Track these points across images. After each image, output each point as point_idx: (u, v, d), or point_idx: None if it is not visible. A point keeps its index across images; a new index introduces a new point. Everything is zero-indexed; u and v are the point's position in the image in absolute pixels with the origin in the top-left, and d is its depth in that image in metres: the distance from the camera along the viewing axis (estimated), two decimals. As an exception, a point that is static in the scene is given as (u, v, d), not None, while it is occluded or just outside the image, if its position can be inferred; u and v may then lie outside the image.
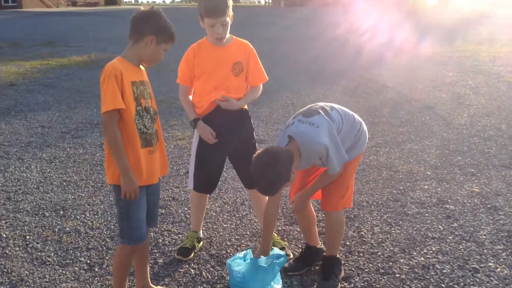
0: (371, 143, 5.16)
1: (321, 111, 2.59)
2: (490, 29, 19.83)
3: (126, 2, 64.84)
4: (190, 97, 2.95)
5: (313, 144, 2.45)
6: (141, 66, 2.38)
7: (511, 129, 5.68)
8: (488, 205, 3.62)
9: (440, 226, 3.29)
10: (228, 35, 2.82)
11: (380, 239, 3.13)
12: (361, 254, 2.95)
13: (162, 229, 3.30)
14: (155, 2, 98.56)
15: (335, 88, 8.18)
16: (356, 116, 2.71)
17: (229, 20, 2.73)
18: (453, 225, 3.31)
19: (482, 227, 3.28)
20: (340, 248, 2.93)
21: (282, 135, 2.60)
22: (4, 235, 3.20)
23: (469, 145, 5.11)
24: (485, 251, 2.95)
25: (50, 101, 7.20)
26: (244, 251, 2.61)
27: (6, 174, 4.35)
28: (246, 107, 2.96)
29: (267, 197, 2.69)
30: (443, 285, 2.60)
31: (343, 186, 2.64)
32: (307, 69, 10.22)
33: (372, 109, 6.73)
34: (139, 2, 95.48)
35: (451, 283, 2.61)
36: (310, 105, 2.69)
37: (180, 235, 3.22)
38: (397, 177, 4.25)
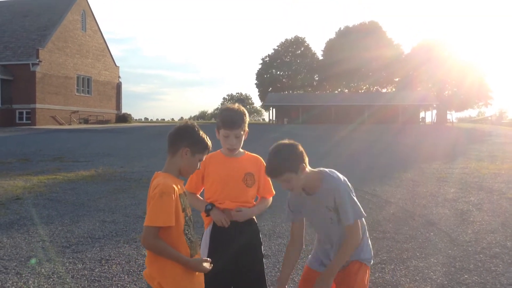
0: (376, 259, 5.07)
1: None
2: (490, 147, 20.34)
3: (136, 120, 67.59)
4: None
5: (336, 182, 2.74)
6: None
7: (518, 246, 5.60)
8: (500, 327, 3.46)
9: None
10: (241, 150, 3.02)
11: None
12: None
13: None
14: (164, 119, 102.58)
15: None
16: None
17: (243, 134, 2.95)
18: None
19: None
20: None
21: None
22: None
23: (475, 262, 5.00)
24: None
25: (53, 215, 7.23)
26: None
27: (2, 290, 4.25)
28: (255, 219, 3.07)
29: None
30: None
31: None
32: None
33: (376, 224, 6.69)
34: (149, 120, 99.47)
35: None
36: None
37: None
38: (404, 296, 4.11)
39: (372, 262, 2.98)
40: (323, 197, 2.75)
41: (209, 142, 2.56)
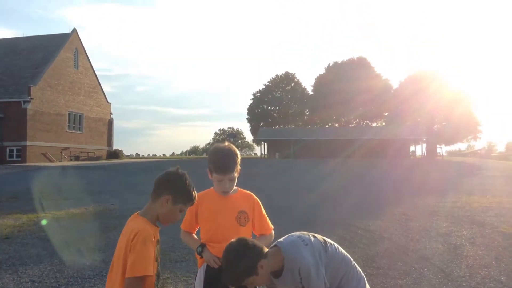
0: (370, 296, 5.01)
1: (317, 236, 2.69)
2: (480, 180, 20.44)
3: (127, 155, 67.29)
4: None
5: (297, 258, 2.54)
6: None
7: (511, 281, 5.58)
8: None
9: None
10: (234, 187, 3.00)
11: None
12: None
13: None
14: (155, 155, 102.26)
15: (331, 239, 8.14)
16: (356, 266, 2.80)
17: (236, 175, 2.92)
18: None
19: None
20: None
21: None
22: None
23: (470, 298, 4.97)
24: None
25: (43, 254, 7.11)
26: None
27: (-12, 334, 4.13)
28: None
29: None
30: None
31: None
32: (301, 219, 10.29)
33: (370, 260, 6.65)
34: (140, 156, 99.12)
35: None
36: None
37: None
38: (399, 334, 4.05)
39: None
40: (289, 278, 2.63)
41: (195, 194, 2.47)
